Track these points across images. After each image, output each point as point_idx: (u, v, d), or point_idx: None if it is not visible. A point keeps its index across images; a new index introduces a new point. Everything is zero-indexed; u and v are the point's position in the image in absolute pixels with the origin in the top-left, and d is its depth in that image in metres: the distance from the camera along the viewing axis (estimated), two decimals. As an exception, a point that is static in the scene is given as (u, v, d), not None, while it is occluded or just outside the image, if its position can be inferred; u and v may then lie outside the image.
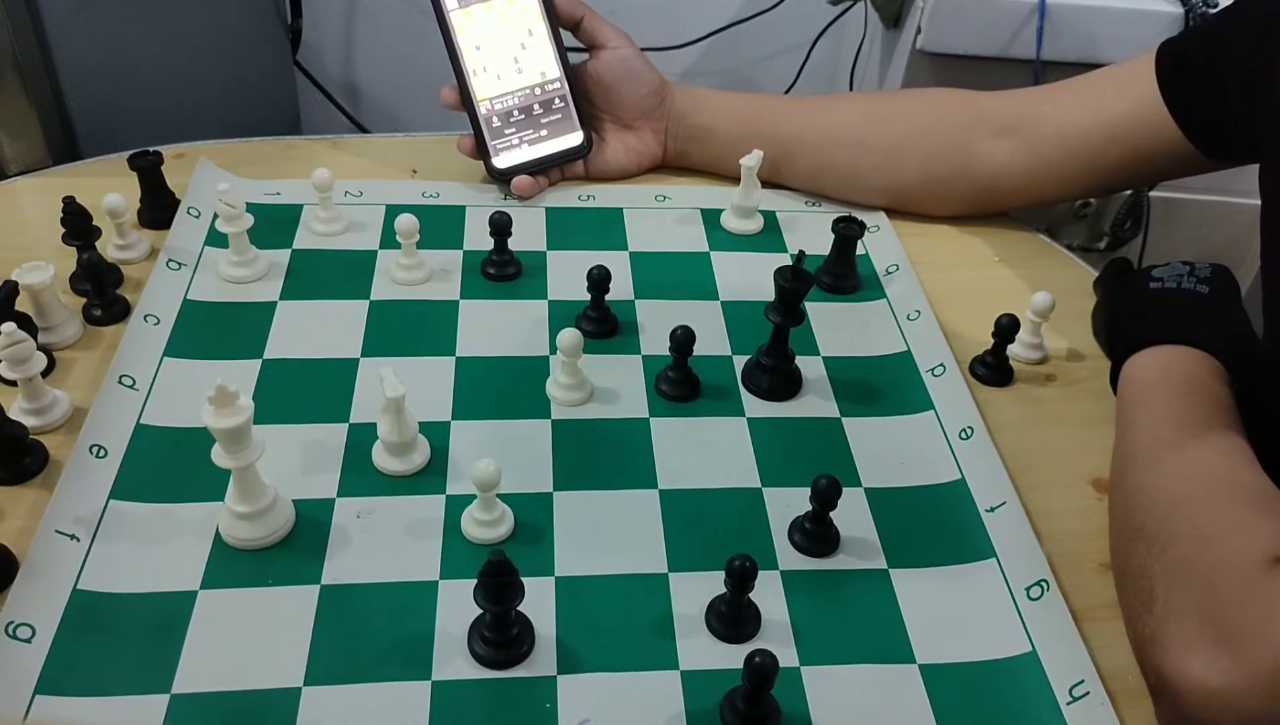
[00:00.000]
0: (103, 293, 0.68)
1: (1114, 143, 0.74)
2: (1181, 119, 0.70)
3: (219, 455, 0.52)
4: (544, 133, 0.82)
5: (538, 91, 0.82)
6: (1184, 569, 0.49)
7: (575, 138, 0.83)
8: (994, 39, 1.22)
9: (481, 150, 0.81)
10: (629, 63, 0.82)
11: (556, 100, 0.82)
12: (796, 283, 0.62)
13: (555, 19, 0.81)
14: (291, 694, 0.48)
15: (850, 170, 0.82)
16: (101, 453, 0.58)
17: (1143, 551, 0.52)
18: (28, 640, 0.49)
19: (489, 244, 0.74)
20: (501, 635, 0.50)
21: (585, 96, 0.84)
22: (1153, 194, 1.24)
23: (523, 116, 0.81)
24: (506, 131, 0.81)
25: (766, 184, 0.82)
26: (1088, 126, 0.75)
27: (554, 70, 0.82)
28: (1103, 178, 0.77)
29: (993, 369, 0.69)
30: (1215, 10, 1.18)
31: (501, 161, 0.81)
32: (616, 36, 0.82)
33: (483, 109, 0.80)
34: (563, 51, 0.81)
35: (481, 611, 0.49)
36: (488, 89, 0.80)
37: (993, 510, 0.59)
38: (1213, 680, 0.45)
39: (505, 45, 0.80)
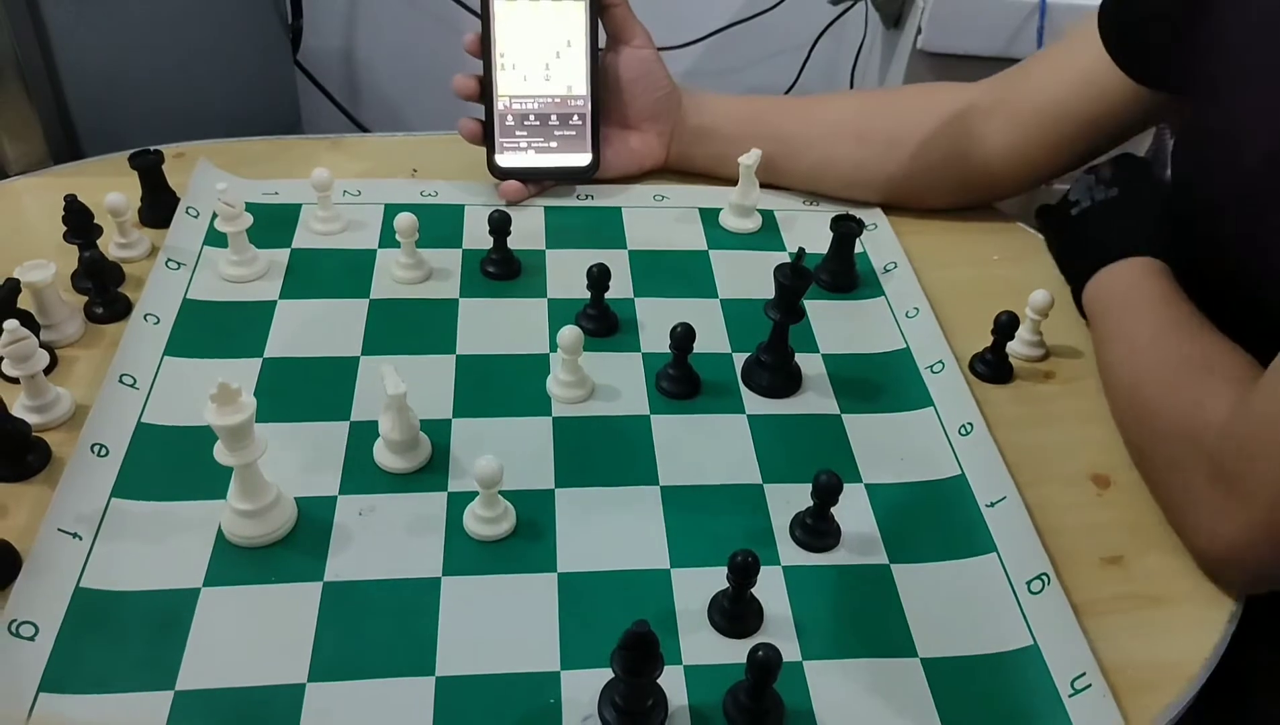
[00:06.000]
0: (104, 291, 0.68)
1: (1073, 100, 0.75)
2: (1122, 58, 0.71)
3: (221, 453, 0.52)
4: (553, 145, 0.82)
5: (559, 103, 0.81)
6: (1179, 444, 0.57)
7: (583, 158, 0.82)
8: (994, 39, 1.22)
9: (487, 142, 0.81)
10: (648, 64, 0.82)
11: (575, 117, 0.81)
12: (797, 280, 0.62)
13: (596, 8, 0.79)
14: (295, 690, 0.48)
15: (852, 165, 0.82)
16: (103, 451, 0.58)
17: (1148, 444, 0.61)
18: (31, 638, 0.49)
19: (488, 242, 0.74)
20: (637, 705, 0.48)
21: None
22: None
23: (538, 123, 0.81)
24: (517, 133, 0.81)
25: (767, 185, 0.82)
26: (1054, 90, 0.76)
27: (581, 87, 0.81)
28: (1080, 141, 0.77)
29: (992, 366, 0.69)
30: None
31: (504, 161, 0.81)
32: (643, 35, 0.82)
33: (500, 104, 0.80)
34: (596, 71, 0.81)
35: (614, 678, 0.47)
36: (511, 86, 0.80)
37: (993, 505, 0.59)
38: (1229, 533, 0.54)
39: (540, 49, 0.79)
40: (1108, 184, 0.73)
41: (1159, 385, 0.61)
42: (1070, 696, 0.49)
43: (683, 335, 0.64)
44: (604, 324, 0.70)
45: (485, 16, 0.78)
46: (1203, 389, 0.58)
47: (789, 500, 0.59)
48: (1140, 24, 0.71)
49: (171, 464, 0.58)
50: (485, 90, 0.79)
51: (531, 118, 0.81)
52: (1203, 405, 0.57)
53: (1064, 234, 0.76)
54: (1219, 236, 0.65)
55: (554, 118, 0.81)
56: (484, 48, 0.78)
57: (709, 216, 0.82)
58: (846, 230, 0.75)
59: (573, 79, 0.81)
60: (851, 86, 1.62)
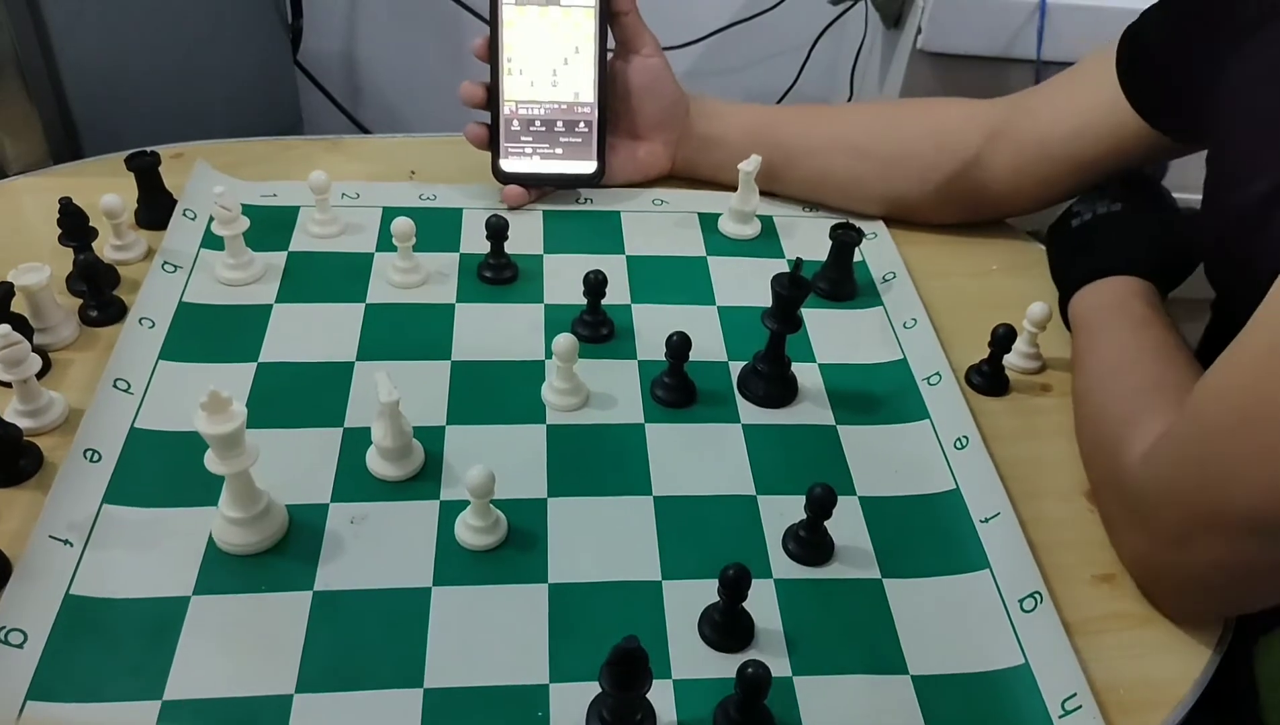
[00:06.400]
0: (99, 293, 0.68)
1: (1080, 137, 0.74)
2: (1137, 101, 0.70)
3: (212, 461, 0.52)
4: (559, 151, 0.81)
5: (566, 110, 0.80)
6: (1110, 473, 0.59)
7: (588, 166, 0.82)
8: (994, 39, 1.22)
9: (492, 146, 0.81)
10: (657, 72, 0.81)
11: (582, 124, 0.81)
12: (795, 290, 0.62)
13: (606, 15, 0.78)
14: (283, 701, 0.48)
15: (850, 178, 0.82)
16: (95, 457, 0.58)
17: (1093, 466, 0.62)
18: (19, 645, 0.49)
19: (485, 247, 0.74)
20: (625, 720, 0.48)
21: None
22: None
23: (543, 129, 0.81)
24: (523, 138, 0.80)
25: (766, 193, 0.81)
26: (1059, 123, 0.75)
27: (589, 94, 0.80)
28: (1080, 175, 0.76)
29: (989, 379, 0.69)
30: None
31: (509, 166, 0.81)
32: (653, 44, 0.81)
33: (506, 109, 0.79)
34: (604, 78, 0.80)
35: (602, 692, 0.47)
36: (518, 91, 0.79)
37: (987, 521, 0.59)
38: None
39: (549, 54, 0.79)
40: (1113, 199, 0.73)
41: (1105, 420, 0.61)
42: (1061, 717, 0.49)
43: (678, 344, 0.64)
44: (600, 331, 0.70)
45: (494, 21, 0.78)
46: (1144, 419, 0.57)
47: (782, 512, 0.59)
48: (1161, 68, 0.68)
49: (164, 470, 0.58)
50: (492, 95, 0.79)
51: (537, 124, 0.80)
52: (1134, 439, 0.56)
53: (1060, 244, 0.76)
54: (1227, 268, 0.63)
55: (560, 124, 0.81)
56: (492, 52, 0.78)
57: (708, 222, 0.82)
58: (846, 239, 0.75)
59: (580, 86, 0.80)
60: (851, 86, 1.62)
